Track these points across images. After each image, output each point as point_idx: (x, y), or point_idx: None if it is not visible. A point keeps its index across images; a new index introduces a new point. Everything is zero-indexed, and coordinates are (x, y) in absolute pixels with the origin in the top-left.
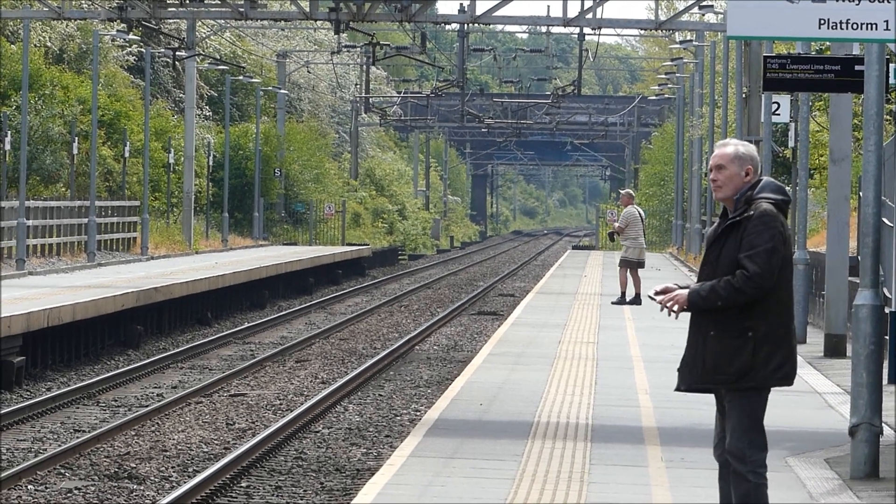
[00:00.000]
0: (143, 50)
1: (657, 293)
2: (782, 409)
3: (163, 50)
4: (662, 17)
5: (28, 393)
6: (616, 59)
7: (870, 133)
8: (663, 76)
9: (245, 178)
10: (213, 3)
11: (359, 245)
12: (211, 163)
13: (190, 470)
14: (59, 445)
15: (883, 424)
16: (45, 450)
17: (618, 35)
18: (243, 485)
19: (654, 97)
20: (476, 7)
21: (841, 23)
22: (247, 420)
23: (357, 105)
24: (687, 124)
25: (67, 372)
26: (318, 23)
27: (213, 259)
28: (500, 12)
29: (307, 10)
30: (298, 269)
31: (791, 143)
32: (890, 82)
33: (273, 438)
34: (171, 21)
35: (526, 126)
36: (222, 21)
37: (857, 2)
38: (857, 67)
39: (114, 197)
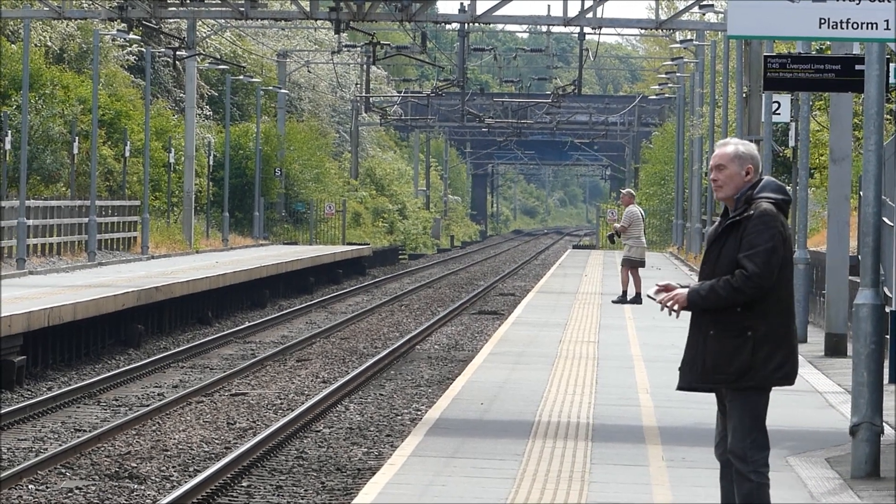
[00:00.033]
0: (143, 49)
1: (657, 291)
2: (783, 409)
3: (163, 49)
4: (663, 17)
5: (29, 392)
6: (616, 58)
7: (870, 132)
8: (664, 76)
9: (245, 178)
10: (214, 2)
11: (359, 244)
12: (211, 162)
13: (191, 469)
14: (60, 445)
15: (884, 424)
16: (46, 449)
17: (618, 34)
18: (244, 484)
19: (654, 97)
20: (476, 7)
21: (841, 22)
22: (248, 419)
23: (357, 105)
24: (687, 124)
25: (68, 371)
26: (319, 22)
27: (214, 258)
28: (500, 12)
29: (307, 9)
30: (299, 269)
31: (791, 143)
32: (890, 82)
33: (274, 438)
34: (171, 21)
35: (526, 125)
36: (223, 21)
37: (857, 1)
38: (857, 67)
39: (114, 196)
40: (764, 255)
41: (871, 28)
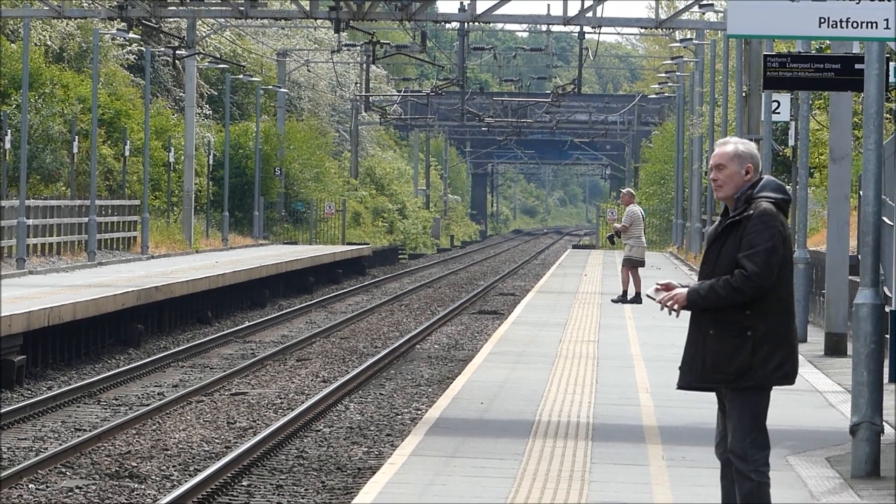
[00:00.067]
0: (143, 49)
1: (657, 290)
2: (783, 408)
3: (163, 49)
4: (663, 16)
5: (29, 392)
6: (616, 57)
7: (870, 131)
8: (663, 75)
9: (245, 177)
10: (214, 1)
11: (359, 244)
12: (211, 162)
13: (191, 469)
14: (60, 444)
15: (884, 423)
16: (46, 449)
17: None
18: (244, 484)
19: (654, 96)
20: (476, 6)
21: (841, 21)
22: (248, 419)
23: (357, 104)
24: (687, 123)
25: (68, 371)
26: (319, 21)
27: (214, 258)
28: (500, 11)
29: (307, 8)
30: (299, 269)
31: (791, 142)
32: (890, 81)
33: (274, 437)
34: (171, 20)
35: (526, 125)
36: (222, 20)
37: (857, 1)
38: (857, 66)
39: (114, 196)
40: (763, 255)
41: (871, 27)
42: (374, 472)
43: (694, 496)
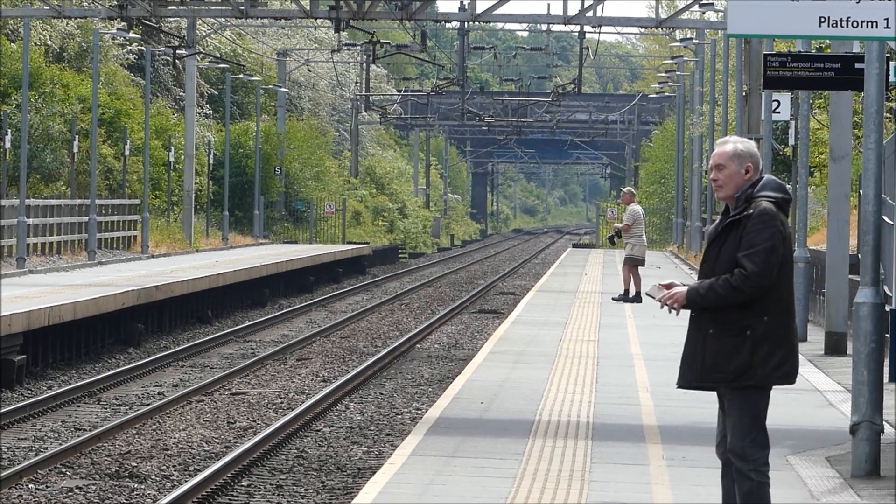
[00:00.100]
0: (143, 48)
1: (658, 288)
2: (783, 408)
3: (163, 48)
4: (663, 16)
5: (29, 391)
6: (616, 57)
7: (870, 131)
8: (663, 74)
9: (245, 177)
10: (214, 1)
11: (359, 243)
12: (211, 161)
13: (191, 469)
14: (60, 444)
15: (884, 423)
16: (46, 448)
17: (618, 33)
18: (244, 483)
19: (654, 95)
20: (476, 5)
21: (841, 21)
22: (248, 418)
23: (357, 103)
24: (687, 122)
25: (68, 370)
26: (319, 21)
27: (214, 257)
28: (500, 10)
29: (307, 8)
30: (299, 268)
31: (791, 141)
32: (890, 80)
33: (274, 437)
34: (171, 19)
35: (526, 124)
36: (223, 19)
37: (857, 0)
38: (857, 65)
39: (114, 195)
40: (763, 255)
41: (871, 26)
42: (374, 472)
43: (694, 496)
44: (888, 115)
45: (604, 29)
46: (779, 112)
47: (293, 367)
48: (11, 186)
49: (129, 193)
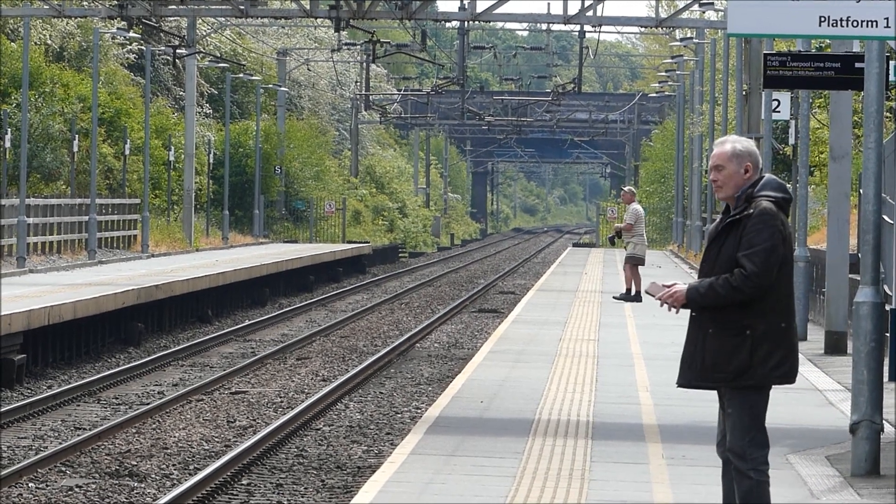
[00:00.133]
0: (143, 48)
1: (658, 286)
2: (783, 407)
3: (163, 48)
4: (663, 15)
5: (29, 391)
6: (616, 56)
7: (870, 130)
8: (663, 73)
9: (245, 176)
10: (214, 0)
11: (359, 243)
12: (211, 160)
13: (191, 468)
14: (60, 443)
15: (884, 422)
16: (46, 447)
17: (618, 32)
18: (244, 482)
19: (654, 94)
20: (476, 5)
21: (841, 20)
22: (248, 418)
23: (357, 102)
24: (687, 121)
25: (68, 370)
26: (319, 20)
27: (214, 257)
28: (500, 10)
29: (307, 7)
30: (299, 267)
31: (791, 141)
32: (890, 79)
33: (274, 436)
34: (171, 19)
35: (526, 123)
36: (223, 19)
37: None
38: (857, 64)
39: (114, 195)
40: (763, 255)
41: (871, 26)
42: (374, 471)
43: (694, 495)
44: (888, 114)
45: (604, 28)
46: (779, 111)
47: (293, 366)
48: (11, 186)
49: (129, 193)
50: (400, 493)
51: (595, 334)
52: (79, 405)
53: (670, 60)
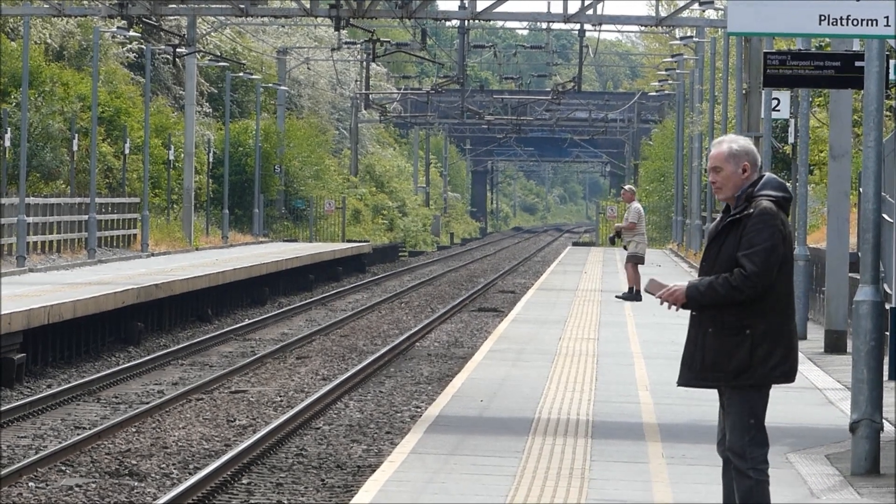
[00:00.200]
0: (143, 47)
1: (656, 284)
2: (783, 406)
3: (163, 47)
4: (663, 14)
5: (28, 390)
6: (616, 55)
7: (870, 129)
8: (663, 72)
9: (245, 175)
10: None
11: (359, 242)
12: (211, 159)
13: (191, 467)
14: (60, 442)
15: (883, 421)
16: (46, 447)
17: (618, 31)
18: (244, 482)
19: (654, 93)
20: (476, 4)
21: (841, 19)
22: (247, 417)
23: (357, 101)
24: (687, 120)
25: (68, 369)
26: (319, 19)
27: (214, 256)
28: (500, 9)
29: (307, 6)
30: (299, 266)
31: (791, 140)
32: (890, 78)
33: (274, 435)
34: (171, 18)
35: (526, 122)
36: (223, 17)
37: None
38: (857, 63)
39: (114, 194)
40: (763, 255)
41: (871, 25)
42: (374, 470)
43: (694, 494)
44: (888, 113)
45: (604, 27)
46: (779, 110)
47: (293, 365)
48: (11, 185)
49: (129, 192)
50: (400, 492)
51: (595, 333)
52: (78, 404)
53: (670, 59)
